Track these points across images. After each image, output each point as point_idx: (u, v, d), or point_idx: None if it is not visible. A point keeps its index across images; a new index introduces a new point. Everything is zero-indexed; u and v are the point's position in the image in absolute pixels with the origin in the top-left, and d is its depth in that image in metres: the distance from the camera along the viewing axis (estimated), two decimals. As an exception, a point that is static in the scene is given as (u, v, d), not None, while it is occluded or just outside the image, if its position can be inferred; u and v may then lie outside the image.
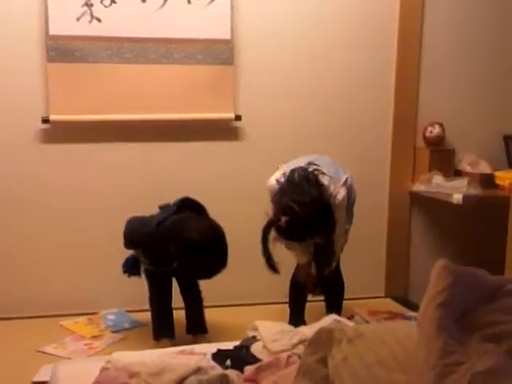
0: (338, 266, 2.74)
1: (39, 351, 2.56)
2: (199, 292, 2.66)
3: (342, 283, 2.79)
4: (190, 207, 2.49)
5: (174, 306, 2.65)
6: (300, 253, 2.59)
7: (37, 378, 2.28)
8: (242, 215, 2.80)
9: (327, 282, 2.77)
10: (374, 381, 1.19)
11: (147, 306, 2.89)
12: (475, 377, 1.06)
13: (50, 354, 2.52)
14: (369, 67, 3.21)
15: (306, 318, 2.71)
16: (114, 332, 2.78)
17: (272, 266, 2.41)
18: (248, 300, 3.09)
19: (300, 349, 1.88)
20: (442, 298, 1.20)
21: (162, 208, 2.56)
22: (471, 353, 1.14)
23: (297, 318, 2.72)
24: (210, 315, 2.72)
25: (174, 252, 2.38)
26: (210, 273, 2.39)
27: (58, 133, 2.92)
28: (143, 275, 2.63)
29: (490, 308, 1.24)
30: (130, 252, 2.63)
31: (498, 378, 1.06)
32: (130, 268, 2.63)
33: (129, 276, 2.64)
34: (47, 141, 2.92)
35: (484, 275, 1.31)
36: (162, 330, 2.59)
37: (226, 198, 2.90)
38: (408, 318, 2.55)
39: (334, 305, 2.76)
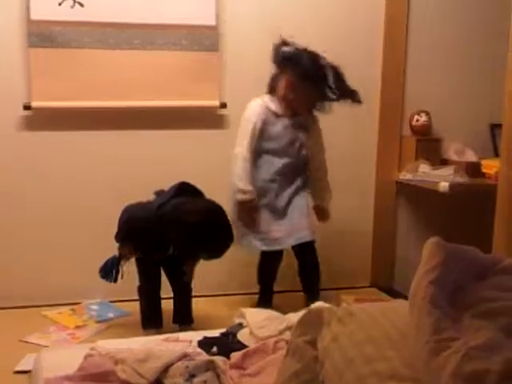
0: (315, 249, 2.79)
1: (22, 341, 2.51)
2: (188, 283, 2.62)
3: (319, 265, 2.85)
4: (187, 192, 2.48)
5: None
6: None
7: (19, 368, 2.24)
8: (228, 203, 2.76)
9: (305, 265, 2.82)
10: (365, 358, 1.17)
11: (130, 296, 2.87)
12: (469, 352, 1.04)
13: (33, 344, 2.48)
14: (355, 55, 3.18)
15: (288, 308, 2.71)
16: (97, 322, 2.75)
17: None
18: (234, 290, 3.06)
19: (287, 335, 1.86)
20: (433, 275, 1.18)
21: (158, 194, 2.55)
22: (464, 329, 1.12)
23: (265, 299, 2.79)
24: (197, 305, 2.69)
25: (173, 237, 2.38)
26: (217, 251, 2.43)
27: (40, 120, 2.86)
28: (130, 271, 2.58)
29: (483, 285, 1.22)
30: (107, 252, 2.57)
31: (492, 353, 1.05)
32: (109, 272, 2.57)
33: (108, 281, 2.57)
34: (29, 128, 2.87)
35: (476, 253, 1.30)
36: (151, 320, 2.57)
37: (213, 186, 2.85)
38: (397, 305, 2.55)
39: (313, 288, 2.83)
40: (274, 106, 2.65)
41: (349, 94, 2.62)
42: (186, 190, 2.50)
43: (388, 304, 1.60)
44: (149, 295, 2.58)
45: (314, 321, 1.39)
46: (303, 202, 2.72)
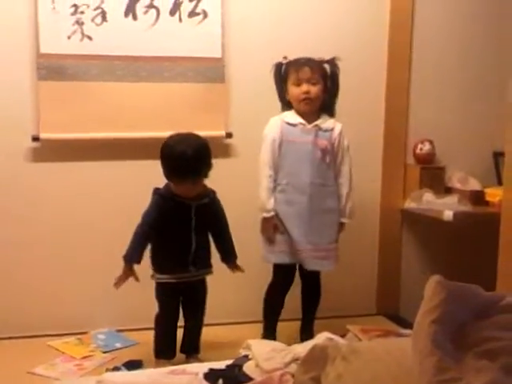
0: (319, 277, 2.79)
1: (30, 372, 2.51)
2: (202, 315, 2.63)
3: (320, 294, 2.84)
4: None
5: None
6: None
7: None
8: (233, 232, 2.78)
9: (309, 290, 2.82)
10: (370, 398, 1.18)
11: (138, 325, 2.89)
12: (471, 393, 1.05)
13: (41, 376, 2.48)
14: (360, 84, 3.23)
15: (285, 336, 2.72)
16: (104, 352, 2.75)
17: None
18: (240, 318, 3.07)
19: (293, 367, 1.86)
20: (435, 315, 1.20)
21: None
22: (466, 369, 1.13)
23: (270, 333, 2.76)
24: (205, 333, 2.69)
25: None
26: (175, 172, 2.44)
27: (49, 151, 2.90)
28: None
29: (485, 324, 1.24)
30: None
31: (494, 394, 1.06)
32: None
33: None
34: (37, 159, 2.91)
35: (477, 291, 1.31)
36: (164, 350, 2.57)
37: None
38: (401, 335, 2.54)
39: (311, 315, 2.83)
40: (290, 118, 2.67)
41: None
42: None
43: (393, 341, 1.62)
44: (165, 325, 2.58)
45: (318, 357, 1.41)
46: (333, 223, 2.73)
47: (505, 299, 1.31)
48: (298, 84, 2.62)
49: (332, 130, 2.69)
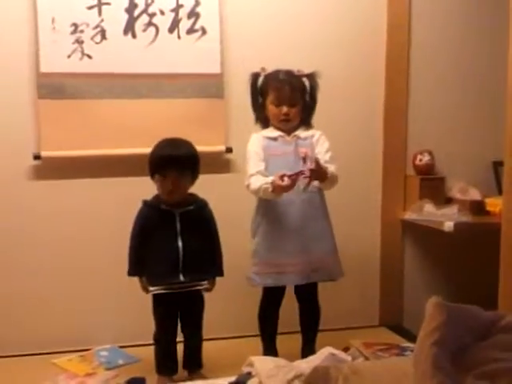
0: (316, 294, 2.76)
1: (33, 391, 2.53)
2: (200, 330, 2.64)
3: (319, 309, 2.80)
4: None
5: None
6: None
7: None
8: (233, 247, 2.79)
9: (305, 307, 2.79)
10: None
11: (140, 341, 2.89)
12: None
13: (45, 394, 2.50)
14: (358, 96, 3.25)
15: (287, 349, 2.71)
16: (107, 369, 2.75)
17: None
18: (241, 332, 3.07)
19: (296, 384, 1.87)
20: (436, 337, 1.21)
21: None
22: (467, 392, 1.14)
23: (270, 349, 2.74)
24: (206, 348, 2.69)
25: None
26: (159, 163, 2.49)
27: (50, 169, 2.92)
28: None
29: (485, 345, 1.25)
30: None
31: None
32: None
33: None
34: (39, 177, 2.93)
35: (477, 311, 1.32)
36: (166, 367, 2.59)
37: (220, 229, 2.90)
38: (404, 350, 2.55)
39: (311, 332, 2.78)
40: (270, 133, 2.67)
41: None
42: None
43: (394, 360, 1.62)
44: (164, 342, 2.58)
45: (320, 379, 1.41)
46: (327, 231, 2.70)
47: (504, 319, 1.32)
48: (278, 104, 2.61)
49: (312, 136, 2.69)
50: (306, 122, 2.71)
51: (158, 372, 2.58)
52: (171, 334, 2.58)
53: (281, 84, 2.62)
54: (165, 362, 2.59)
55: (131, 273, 2.57)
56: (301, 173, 2.49)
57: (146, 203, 2.58)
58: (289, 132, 2.66)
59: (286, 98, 2.60)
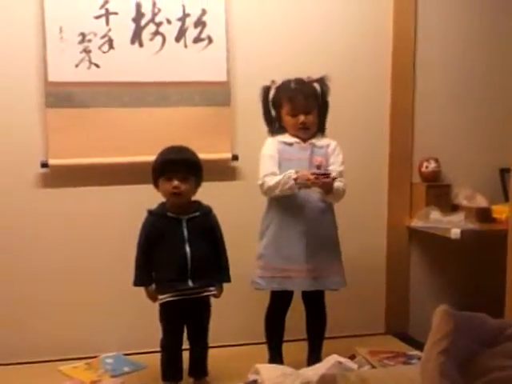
0: (323, 301, 2.76)
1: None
2: (206, 338, 2.64)
3: (326, 317, 2.80)
4: None
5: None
6: None
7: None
8: (240, 254, 2.79)
9: (312, 314, 2.79)
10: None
11: (146, 349, 2.90)
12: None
13: (51, 401, 2.50)
14: (364, 103, 3.25)
15: (293, 357, 2.72)
16: (113, 376, 2.75)
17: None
18: (247, 339, 3.07)
19: (302, 392, 1.88)
20: (443, 346, 1.21)
21: None
22: (474, 400, 1.14)
23: (276, 356, 2.74)
24: (212, 355, 2.69)
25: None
26: (163, 167, 2.54)
27: (58, 177, 2.93)
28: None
29: (492, 353, 1.25)
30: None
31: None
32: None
33: None
34: (46, 185, 2.94)
35: (484, 320, 1.32)
36: (171, 374, 2.60)
37: (226, 236, 2.90)
38: (410, 358, 2.54)
39: (317, 339, 2.78)
40: (286, 138, 2.68)
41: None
42: None
43: (401, 369, 1.62)
44: (170, 349, 2.59)
45: (327, 387, 1.41)
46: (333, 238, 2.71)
47: (511, 327, 1.31)
48: (294, 115, 2.62)
49: (327, 146, 2.70)
50: (321, 128, 2.72)
51: (164, 379, 2.59)
52: (177, 342, 2.58)
53: (294, 94, 2.63)
54: (170, 369, 2.59)
55: (137, 283, 2.56)
56: (326, 175, 2.50)
57: (151, 212, 2.59)
58: (305, 139, 2.67)
59: (300, 107, 2.61)
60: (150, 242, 2.55)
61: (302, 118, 2.61)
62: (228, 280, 2.63)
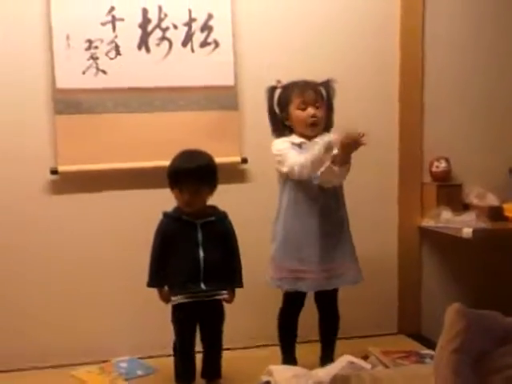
0: (336, 301, 2.75)
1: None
2: (219, 341, 2.64)
3: (339, 317, 2.79)
4: None
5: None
6: None
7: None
8: (251, 256, 2.79)
9: (325, 314, 2.78)
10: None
11: (159, 352, 2.90)
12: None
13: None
14: (373, 104, 3.24)
15: (306, 358, 2.71)
16: (126, 380, 2.76)
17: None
18: (260, 342, 3.07)
19: (315, 393, 1.87)
20: (456, 344, 1.20)
21: None
22: (488, 398, 1.13)
23: (289, 358, 2.72)
24: (225, 358, 2.69)
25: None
26: (175, 176, 2.53)
27: (67, 183, 2.95)
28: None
29: (505, 351, 1.24)
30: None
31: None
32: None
33: None
34: (56, 192, 2.96)
35: (497, 318, 1.31)
36: (184, 376, 2.61)
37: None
38: (423, 357, 2.53)
39: (330, 340, 2.77)
40: (293, 139, 2.65)
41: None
42: None
43: (414, 368, 1.61)
44: (182, 351, 2.60)
45: (340, 388, 1.41)
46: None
47: (525, 325, 1.30)
48: (304, 108, 2.61)
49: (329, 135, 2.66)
50: (326, 127, 2.71)
51: (177, 381, 2.60)
52: (190, 344, 2.58)
53: (304, 88, 2.63)
54: (183, 371, 2.60)
55: (151, 284, 2.58)
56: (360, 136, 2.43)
57: (166, 215, 2.60)
58: (310, 139, 2.65)
59: (311, 99, 2.61)
60: (164, 244, 2.56)
61: (312, 110, 2.60)
62: (240, 285, 2.63)
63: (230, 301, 2.61)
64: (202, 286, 2.52)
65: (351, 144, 2.44)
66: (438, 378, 1.20)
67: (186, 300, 2.53)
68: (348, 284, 2.68)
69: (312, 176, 2.54)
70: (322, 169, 2.51)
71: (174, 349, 2.62)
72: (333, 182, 2.59)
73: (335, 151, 2.47)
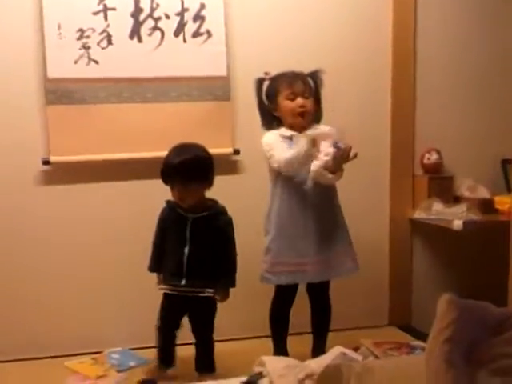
0: (328, 292, 2.76)
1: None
2: (209, 334, 2.65)
3: (331, 308, 2.80)
4: None
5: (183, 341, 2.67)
6: None
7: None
8: (244, 248, 2.80)
9: (317, 306, 2.79)
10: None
11: (152, 343, 2.88)
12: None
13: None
14: (365, 96, 3.25)
15: (297, 350, 2.72)
16: (119, 371, 2.76)
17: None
18: (252, 333, 3.08)
19: (307, 384, 1.88)
20: (448, 334, 1.21)
21: None
22: (480, 388, 1.14)
23: (281, 349, 2.74)
24: (217, 349, 2.70)
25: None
26: (165, 174, 2.51)
27: (59, 174, 2.94)
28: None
29: (497, 341, 1.25)
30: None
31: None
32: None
33: None
34: (48, 182, 2.95)
35: (488, 308, 1.32)
36: (162, 356, 2.66)
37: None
38: (413, 348, 2.55)
39: (322, 331, 2.79)
40: (283, 132, 2.65)
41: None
42: None
43: (406, 358, 1.63)
44: (162, 335, 2.64)
45: (332, 377, 1.42)
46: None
47: (516, 315, 1.32)
48: (293, 98, 2.60)
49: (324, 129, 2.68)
50: (316, 118, 2.71)
51: (157, 359, 2.67)
52: (170, 330, 2.62)
53: (293, 78, 2.63)
54: (161, 352, 2.65)
55: (149, 269, 2.63)
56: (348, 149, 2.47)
57: (168, 203, 2.62)
58: (301, 131, 2.65)
59: (300, 89, 2.61)
60: (162, 232, 2.61)
61: (301, 100, 2.60)
62: (232, 285, 2.60)
63: (221, 300, 2.59)
64: (183, 281, 2.53)
65: (343, 158, 2.49)
66: (429, 367, 1.21)
67: (168, 291, 2.58)
68: (346, 273, 2.70)
69: (304, 176, 2.58)
70: (313, 167, 2.53)
71: (156, 328, 2.65)
72: (326, 184, 2.62)
73: (328, 158, 2.49)
